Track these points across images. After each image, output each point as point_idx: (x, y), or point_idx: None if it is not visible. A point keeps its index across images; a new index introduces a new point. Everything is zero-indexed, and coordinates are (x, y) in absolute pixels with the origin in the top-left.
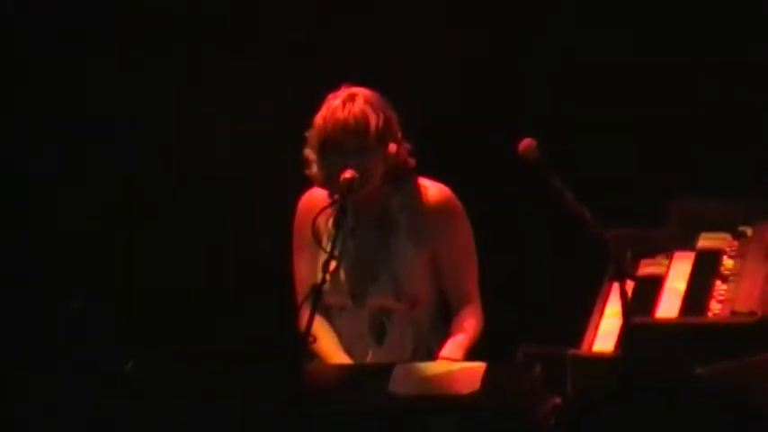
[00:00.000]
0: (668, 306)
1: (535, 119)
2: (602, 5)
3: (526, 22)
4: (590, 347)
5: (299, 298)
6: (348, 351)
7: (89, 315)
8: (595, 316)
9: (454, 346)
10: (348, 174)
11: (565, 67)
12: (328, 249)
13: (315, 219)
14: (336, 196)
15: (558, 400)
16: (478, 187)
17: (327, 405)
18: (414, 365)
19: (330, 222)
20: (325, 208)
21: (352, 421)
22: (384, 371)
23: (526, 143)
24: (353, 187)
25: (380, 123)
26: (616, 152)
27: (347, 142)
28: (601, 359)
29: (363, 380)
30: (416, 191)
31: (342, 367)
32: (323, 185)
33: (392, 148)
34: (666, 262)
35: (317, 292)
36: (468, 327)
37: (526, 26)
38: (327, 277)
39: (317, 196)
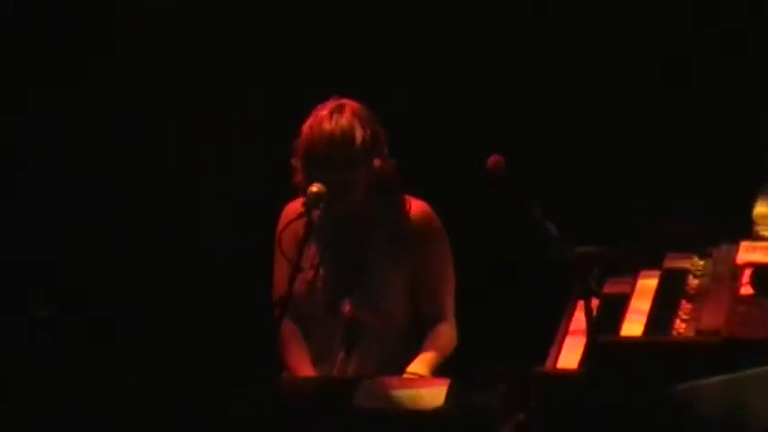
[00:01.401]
0: (633, 325)
1: (507, 133)
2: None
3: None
4: (555, 364)
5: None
6: (320, 360)
7: (58, 321)
8: (561, 333)
9: (421, 362)
10: (315, 187)
11: (540, 77)
12: (306, 261)
13: (281, 231)
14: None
15: (522, 416)
16: (449, 201)
17: (293, 417)
18: (380, 380)
19: (316, 233)
20: (292, 221)
21: None
22: (351, 385)
23: (494, 160)
24: (321, 201)
25: (367, 137)
26: (587, 170)
27: (332, 154)
28: (565, 376)
29: (329, 393)
30: (399, 207)
31: (308, 380)
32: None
33: (377, 162)
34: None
35: (282, 304)
36: (438, 343)
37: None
38: (302, 290)
39: (300, 206)
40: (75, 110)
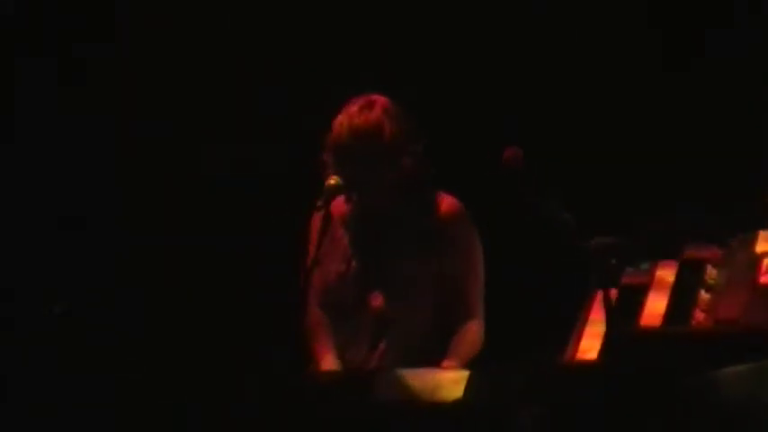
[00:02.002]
0: (652, 315)
1: (507, 133)
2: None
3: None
4: (574, 355)
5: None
6: (346, 351)
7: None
8: (580, 324)
9: (451, 364)
10: (333, 180)
11: (540, 77)
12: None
13: (310, 221)
14: (321, 202)
15: (542, 408)
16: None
17: (312, 410)
18: (399, 372)
19: (348, 226)
20: (314, 213)
21: (335, 426)
22: (370, 377)
23: (511, 152)
24: (337, 194)
25: (395, 133)
26: (588, 170)
27: (359, 149)
28: (584, 367)
29: (349, 385)
30: (430, 203)
31: (328, 372)
32: None
33: (406, 160)
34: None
35: (302, 294)
36: (466, 344)
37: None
38: (333, 281)
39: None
40: (75, 110)
